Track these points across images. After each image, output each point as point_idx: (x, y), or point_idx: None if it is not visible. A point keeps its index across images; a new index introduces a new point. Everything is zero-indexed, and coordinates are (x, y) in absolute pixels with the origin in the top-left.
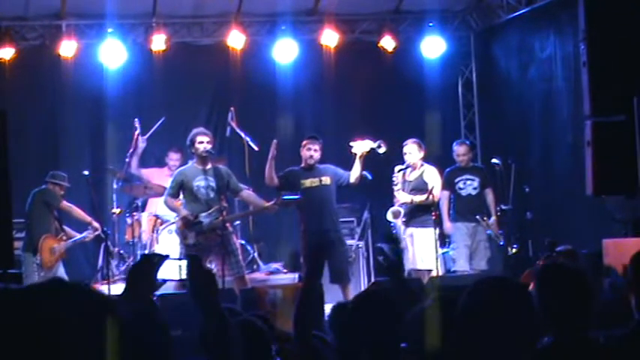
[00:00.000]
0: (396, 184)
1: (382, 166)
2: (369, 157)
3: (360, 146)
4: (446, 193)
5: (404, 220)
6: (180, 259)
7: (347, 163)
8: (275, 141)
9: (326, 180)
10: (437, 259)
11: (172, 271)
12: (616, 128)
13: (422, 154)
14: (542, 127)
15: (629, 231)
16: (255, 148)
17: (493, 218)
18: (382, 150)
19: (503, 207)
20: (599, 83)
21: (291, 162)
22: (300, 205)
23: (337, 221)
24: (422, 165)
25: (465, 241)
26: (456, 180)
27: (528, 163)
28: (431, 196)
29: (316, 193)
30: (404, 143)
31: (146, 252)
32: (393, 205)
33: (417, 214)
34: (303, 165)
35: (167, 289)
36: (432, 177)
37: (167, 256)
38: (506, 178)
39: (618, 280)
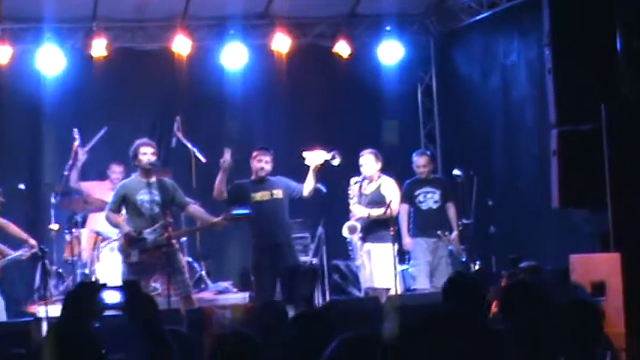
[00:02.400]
0: (351, 198)
1: (337, 179)
2: (324, 169)
3: (314, 157)
4: (405, 207)
5: (360, 235)
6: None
7: (300, 175)
8: (228, 150)
9: (278, 193)
10: (396, 276)
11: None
12: (583, 137)
13: (379, 166)
14: (506, 137)
15: (596, 246)
16: (203, 160)
17: (455, 233)
18: (337, 161)
19: (466, 221)
20: (565, 90)
21: (240, 174)
22: (250, 220)
23: (290, 236)
24: (379, 177)
25: (425, 258)
26: (416, 193)
27: (492, 174)
28: (389, 210)
29: (268, 208)
30: (360, 154)
31: (86, 271)
32: (348, 220)
33: (375, 229)
34: (253, 177)
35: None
36: (390, 190)
37: (105, 285)
38: (469, 191)
39: (586, 298)
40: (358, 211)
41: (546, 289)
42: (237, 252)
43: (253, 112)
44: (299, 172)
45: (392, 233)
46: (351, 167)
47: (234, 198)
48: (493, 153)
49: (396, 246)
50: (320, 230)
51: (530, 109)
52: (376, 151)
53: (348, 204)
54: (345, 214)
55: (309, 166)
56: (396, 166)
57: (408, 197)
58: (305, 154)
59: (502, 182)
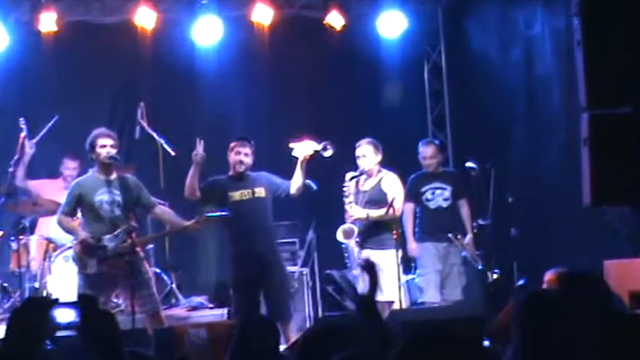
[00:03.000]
0: (347, 196)
1: (330, 174)
2: (314, 162)
3: (302, 148)
4: (410, 206)
5: (358, 240)
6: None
7: (286, 169)
8: (201, 141)
9: (260, 191)
10: (400, 288)
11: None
12: (619, 123)
13: (379, 158)
14: (528, 122)
15: (635, 249)
16: (172, 153)
17: (469, 236)
18: (329, 153)
19: (482, 222)
20: (597, 66)
21: (215, 170)
22: (228, 223)
23: (275, 242)
24: (379, 171)
25: (434, 266)
26: (423, 189)
27: (512, 166)
28: (391, 210)
29: (248, 208)
30: (357, 144)
31: (36, 285)
32: (344, 222)
33: (375, 232)
34: (231, 173)
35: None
36: (393, 186)
37: (57, 300)
38: (485, 186)
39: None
40: (355, 211)
41: (573, 300)
42: (213, 261)
43: (230, 96)
44: (285, 166)
45: (395, 237)
46: (346, 160)
47: (209, 197)
48: (513, 141)
49: (400, 252)
50: (310, 235)
51: (557, 89)
52: (375, 141)
53: (343, 203)
54: (340, 216)
55: (296, 159)
56: (399, 158)
57: (413, 195)
58: (292, 144)
59: (524, 176)
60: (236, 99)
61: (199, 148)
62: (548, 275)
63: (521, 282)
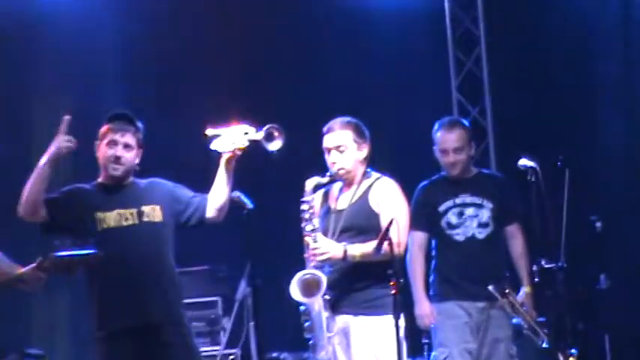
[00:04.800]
0: (308, 220)
1: (280, 182)
2: (248, 162)
3: (228, 138)
4: (420, 237)
5: (328, 298)
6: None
7: (202, 175)
8: (66, 118)
9: (152, 212)
10: None
11: None
12: None
13: (364, 152)
14: (624, 95)
15: None
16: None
17: (525, 290)
18: (277, 145)
19: (547, 264)
20: None
21: (79, 174)
22: (93, 269)
23: (178, 305)
24: (366, 175)
25: (464, 342)
26: (443, 207)
27: (599, 167)
28: (386, 245)
29: (130, 242)
30: (325, 129)
31: None
32: (303, 267)
33: (358, 284)
34: (100, 179)
35: None
36: (389, 201)
37: None
38: (553, 201)
39: None
40: (323, 246)
41: None
42: (66, 341)
43: (110, 51)
44: (199, 168)
45: (393, 293)
46: (309, 156)
47: (63, 220)
48: (600, 125)
49: (402, 320)
50: (243, 289)
51: None
52: (358, 123)
53: (300, 233)
54: (296, 255)
55: (218, 157)
56: (404, 154)
57: (425, 217)
58: (210, 131)
59: (620, 183)
60: (118, 54)
61: (63, 132)
62: None
63: None
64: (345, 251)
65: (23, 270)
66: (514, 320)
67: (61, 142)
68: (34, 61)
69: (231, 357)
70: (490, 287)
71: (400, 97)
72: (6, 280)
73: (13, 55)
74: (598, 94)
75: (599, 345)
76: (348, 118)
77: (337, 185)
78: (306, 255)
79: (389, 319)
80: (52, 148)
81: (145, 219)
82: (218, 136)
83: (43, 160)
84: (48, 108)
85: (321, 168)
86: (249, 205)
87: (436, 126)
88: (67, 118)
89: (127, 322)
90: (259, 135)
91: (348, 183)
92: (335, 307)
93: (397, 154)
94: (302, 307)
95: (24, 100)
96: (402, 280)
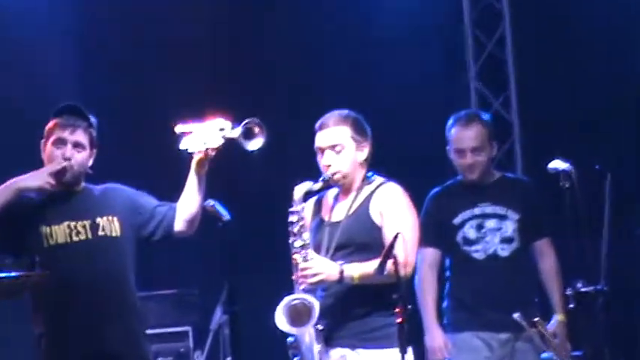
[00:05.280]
0: (296, 234)
1: (259, 187)
2: (228, 164)
3: (200, 136)
4: (432, 255)
5: (320, 328)
6: None
7: (166, 178)
8: (65, 165)
9: (109, 224)
10: None
11: None
12: None
13: (365, 153)
14: None
15: None
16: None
17: (557, 318)
18: (256, 144)
19: (584, 287)
20: None
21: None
22: (38, 294)
23: (140, 335)
24: (365, 180)
25: None
26: (459, 219)
27: None
28: (390, 264)
29: (83, 259)
30: (318, 125)
31: None
32: (291, 291)
33: (356, 312)
34: (47, 182)
35: None
36: (394, 211)
37: None
38: (590, 211)
39: None
40: (316, 266)
41: None
42: None
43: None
44: (167, 172)
45: (399, 322)
46: (297, 159)
47: (1, 236)
48: None
49: (410, 354)
50: (218, 317)
51: None
52: (356, 117)
53: (287, 250)
54: (283, 276)
55: (189, 159)
56: (408, 154)
57: (437, 230)
58: (179, 127)
59: None
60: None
61: (54, 170)
62: None
63: None
64: (342, 272)
65: None
66: (544, 355)
67: (46, 180)
68: None
69: None
70: (515, 315)
71: (408, 87)
72: None
73: None
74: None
75: None
76: (345, 112)
77: (332, 192)
78: (294, 276)
79: (394, 352)
80: (33, 179)
81: (100, 232)
82: (189, 133)
83: (13, 184)
84: None
85: (313, 172)
86: (226, 216)
87: (450, 121)
88: (65, 165)
89: (78, 357)
90: (236, 132)
91: (345, 190)
92: (329, 338)
93: (404, 154)
94: (290, 339)
95: None
96: (409, 307)
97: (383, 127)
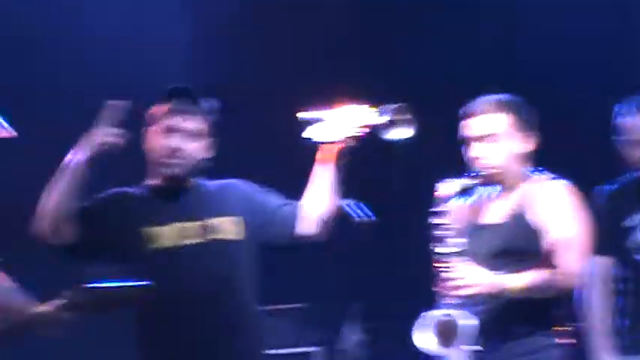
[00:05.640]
0: (442, 239)
1: (398, 184)
2: (359, 156)
3: (334, 124)
4: (605, 265)
5: (474, 349)
6: None
7: (295, 176)
8: (116, 103)
9: (224, 225)
10: None
11: None
12: None
13: (527, 146)
14: None
15: None
16: (9, 133)
17: None
18: (404, 133)
19: None
20: None
21: (121, 177)
22: (143, 307)
23: (258, 355)
24: (525, 177)
25: None
26: (629, 221)
27: None
28: (555, 276)
29: (193, 266)
30: (467, 111)
31: None
32: (435, 305)
33: (515, 330)
34: (152, 181)
35: None
36: (558, 213)
37: None
38: None
39: None
40: (469, 276)
41: None
42: None
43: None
44: (292, 167)
45: (564, 343)
46: (441, 150)
47: (99, 239)
48: None
49: None
50: (351, 335)
51: None
52: (519, 103)
53: (429, 257)
54: (423, 287)
55: (315, 151)
56: (572, 146)
57: (611, 237)
58: (304, 114)
59: None
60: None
61: (108, 117)
62: None
63: None
64: (500, 283)
65: (42, 308)
66: None
67: (106, 134)
68: None
69: None
70: None
71: (569, 66)
72: (20, 321)
73: None
74: None
75: None
76: (503, 96)
77: (484, 191)
78: (439, 288)
79: None
80: (91, 141)
81: (213, 235)
82: (317, 120)
83: (76, 157)
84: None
85: (458, 166)
86: (364, 217)
87: (619, 110)
88: (115, 103)
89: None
90: (375, 118)
91: (505, 187)
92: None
93: (568, 147)
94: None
95: None
96: (577, 325)
97: (544, 112)
